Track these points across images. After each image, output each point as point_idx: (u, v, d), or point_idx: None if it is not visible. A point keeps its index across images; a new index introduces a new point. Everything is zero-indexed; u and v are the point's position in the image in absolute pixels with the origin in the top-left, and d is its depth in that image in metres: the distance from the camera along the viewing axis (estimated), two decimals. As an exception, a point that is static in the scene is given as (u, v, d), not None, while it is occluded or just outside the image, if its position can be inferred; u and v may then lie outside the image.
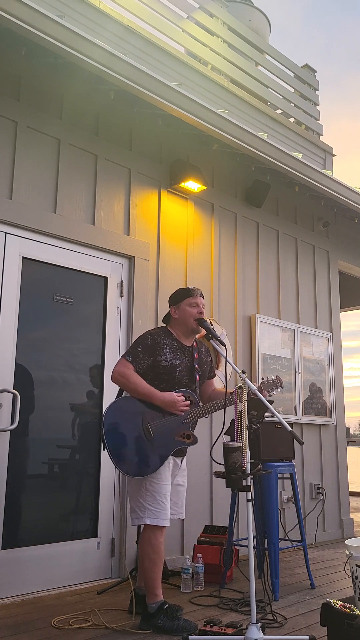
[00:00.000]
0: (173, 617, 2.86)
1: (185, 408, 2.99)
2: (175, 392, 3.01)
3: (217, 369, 4.29)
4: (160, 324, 4.38)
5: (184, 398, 2.99)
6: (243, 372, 2.97)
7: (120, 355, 4.17)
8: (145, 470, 2.90)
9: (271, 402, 3.37)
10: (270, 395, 3.31)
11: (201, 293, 3.19)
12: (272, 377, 3.30)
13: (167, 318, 3.24)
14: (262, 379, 3.30)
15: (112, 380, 3.03)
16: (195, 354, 3.16)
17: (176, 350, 3.09)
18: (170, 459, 3.02)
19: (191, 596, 3.58)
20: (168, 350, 3.06)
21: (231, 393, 3.07)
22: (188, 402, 3.01)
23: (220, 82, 5.65)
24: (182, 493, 3.18)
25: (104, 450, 2.93)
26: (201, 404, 3.20)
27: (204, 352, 3.25)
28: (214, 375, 3.36)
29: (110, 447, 2.88)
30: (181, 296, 3.17)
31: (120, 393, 3.21)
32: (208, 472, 4.59)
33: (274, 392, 3.32)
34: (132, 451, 2.90)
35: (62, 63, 3.80)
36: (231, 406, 3.18)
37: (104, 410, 4.01)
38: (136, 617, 3.07)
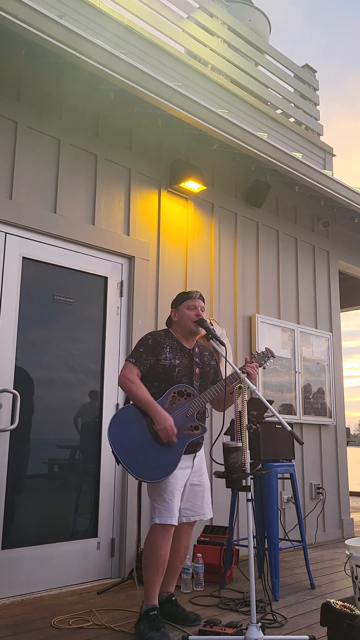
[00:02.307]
0: (153, 626, 2.80)
1: (169, 439, 2.91)
2: (172, 388, 3.00)
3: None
4: (161, 323, 4.39)
5: (174, 431, 2.93)
6: (243, 372, 2.97)
7: (121, 355, 4.17)
8: (167, 470, 2.88)
9: (271, 402, 3.37)
10: (264, 368, 3.30)
11: (200, 296, 3.20)
12: (262, 349, 3.28)
13: (169, 321, 3.26)
14: (252, 353, 3.28)
15: (119, 384, 3.03)
16: (197, 358, 3.15)
17: (176, 351, 3.09)
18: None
19: (191, 596, 3.58)
20: (168, 350, 3.07)
21: (232, 376, 3.06)
22: (175, 439, 2.93)
23: (220, 82, 5.65)
24: (200, 493, 3.13)
25: (118, 465, 2.91)
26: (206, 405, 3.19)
27: (208, 356, 3.24)
28: (220, 380, 3.33)
29: (123, 460, 2.86)
30: (180, 299, 3.20)
31: (127, 401, 3.20)
32: (208, 472, 4.59)
33: (267, 364, 3.30)
34: (147, 457, 2.88)
35: (62, 63, 3.80)
36: (230, 402, 3.17)
37: (103, 411, 4.02)
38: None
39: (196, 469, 3.12)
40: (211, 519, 4.53)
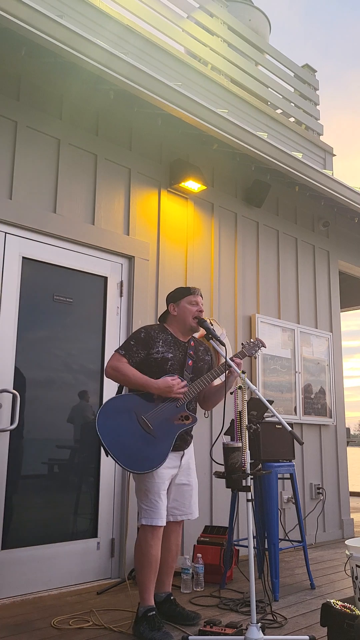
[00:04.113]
0: (154, 626, 2.79)
1: (182, 390, 2.94)
2: (162, 378, 2.97)
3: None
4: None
5: (179, 380, 2.94)
6: (243, 372, 2.97)
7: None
8: (157, 461, 2.87)
9: (271, 402, 3.37)
10: (255, 358, 3.31)
11: (200, 292, 3.19)
12: (252, 340, 3.27)
13: (163, 316, 3.24)
14: (242, 343, 3.27)
15: (105, 374, 3.03)
16: (191, 351, 3.14)
17: (170, 344, 3.08)
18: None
19: (191, 596, 3.58)
20: (161, 343, 3.06)
21: (228, 367, 3.05)
22: (184, 383, 2.96)
23: (220, 82, 5.65)
24: (187, 492, 3.11)
25: (107, 456, 2.90)
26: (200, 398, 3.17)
27: (202, 351, 3.22)
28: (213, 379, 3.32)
29: (112, 451, 2.85)
30: (181, 294, 3.17)
31: (120, 390, 3.20)
32: (208, 472, 4.59)
33: (257, 354, 3.30)
34: (136, 448, 2.86)
35: (62, 63, 3.79)
36: (229, 398, 3.16)
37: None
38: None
39: (184, 468, 3.10)
40: (211, 519, 4.54)
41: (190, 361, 3.11)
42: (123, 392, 3.11)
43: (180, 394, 2.95)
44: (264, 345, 3.30)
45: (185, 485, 3.11)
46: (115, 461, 2.85)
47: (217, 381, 3.19)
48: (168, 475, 2.99)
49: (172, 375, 2.97)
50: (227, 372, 3.04)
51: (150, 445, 2.88)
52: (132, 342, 3.04)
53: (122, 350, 3.02)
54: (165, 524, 2.93)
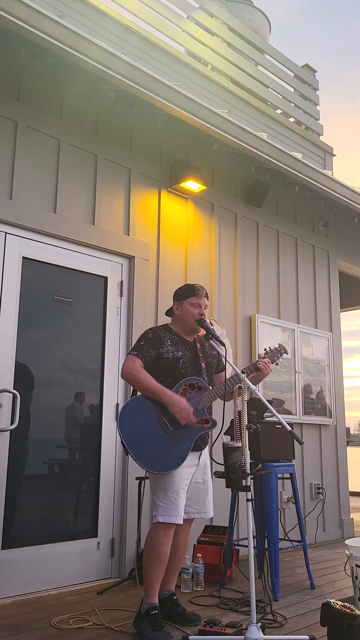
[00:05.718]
0: (155, 626, 2.79)
1: (188, 419, 2.92)
2: (183, 380, 2.98)
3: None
4: (161, 323, 4.39)
5: (192, 409, 2.93)
6: (243, 372, 2.97)
7: (121, 355, 4.17)
8: (175, 462, 2.87)
9: (271, 402, 3.37)
10: (277, 364, 3.31)
11: (206, 293, 3.18)
12: (275, 345, 3.27)
13: (170, 311, 3.25)
14: (265, 349, 3.27)
15: (121, 376, 3.02)
16: (200, 354, 3.15)
17: (177, 344, 3.08)
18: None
19: (191, 596, 3.58)
20: (169, 343, 3.06)
21: (253, 366, 3.06)
22: (194, 420, 2.95)
23: (220, 82, 5.65)
24: (202, 491, 3.12)
25: (127, 455, 2.90)
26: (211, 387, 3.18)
27: (208, 346, 3.23)
28: (224, 368, 3.30)
29: (132, 450, 2.85)
30: (185, 294, 3.16)
31: (134, 393, 3.20)
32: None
33: (280, 360, 3.31)
34: (156, 448, 2.87)
35: (62, 63, 3.79)
36: (232, 399, 3.16)
37: (103, 411, 4.02)
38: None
39: (201, 466, 3.12)
40: (211, 518, 4.53)
41: (203, 363, 3.11)
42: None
43: (182, 419, 2.92)
44: (286, 352, 3.30)
45: (200, 484, 3.13)
46: (134, 459, 2.85)
47: (232, 372, 3.18)
48: (187, 474, 3.00)
49: (187, 380, 2.98)
50: (236, 376, 3.04)
51: (168, 447, 2.89)
52: (142, 343, 3.04)
53: (135, 351, 3.02)
54: (182, 522, 2.93)
